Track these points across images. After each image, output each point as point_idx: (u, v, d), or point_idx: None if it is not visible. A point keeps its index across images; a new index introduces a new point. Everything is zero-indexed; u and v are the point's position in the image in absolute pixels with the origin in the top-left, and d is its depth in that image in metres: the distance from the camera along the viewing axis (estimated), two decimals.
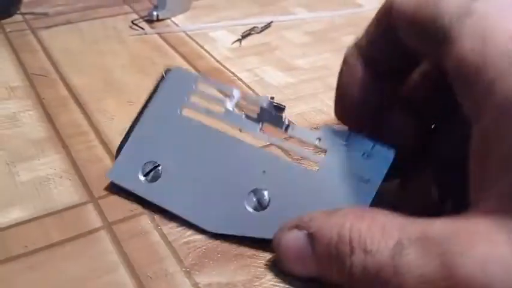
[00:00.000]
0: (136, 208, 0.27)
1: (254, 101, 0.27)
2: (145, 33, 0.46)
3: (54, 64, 0.41)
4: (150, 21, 0.47)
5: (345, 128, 0.26)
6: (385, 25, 0.23)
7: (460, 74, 0.19)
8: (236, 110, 0.27)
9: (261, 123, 0.27)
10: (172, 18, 0.48)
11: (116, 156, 0.28)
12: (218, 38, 0.45)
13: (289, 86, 0.39)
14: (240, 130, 0.27)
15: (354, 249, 0.20)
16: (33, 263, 0.24)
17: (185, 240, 0.26)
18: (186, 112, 0.28)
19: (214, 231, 0.26)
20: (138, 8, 0.50)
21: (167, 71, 0.29)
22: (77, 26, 0.47)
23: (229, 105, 0.27)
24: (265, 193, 0.26)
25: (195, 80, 0.28)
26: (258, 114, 0.27)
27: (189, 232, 0.26)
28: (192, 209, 0.26)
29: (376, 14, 0.23)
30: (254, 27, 0.46)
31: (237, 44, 0.44)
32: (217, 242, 0.25)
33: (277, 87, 0.38)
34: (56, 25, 0.46)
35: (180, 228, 0.26)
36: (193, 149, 0.27)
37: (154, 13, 0.47)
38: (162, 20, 0.47)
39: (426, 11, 0.20)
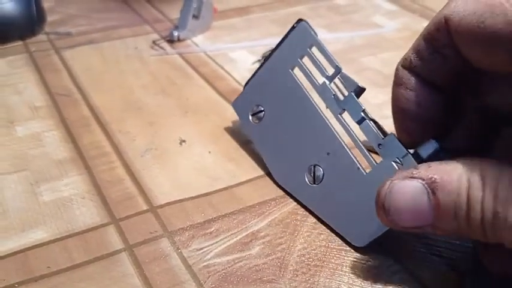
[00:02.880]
0: (157, 230, 0.28)
1: (347, 84, 0.28)
2: (166, 54, 0.46)
3: (76, 84, 0.41)
4: (171, 42, 0.48)
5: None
6: (438, 41, 0.23)
7: None
8: (331, 86, 0.29)
9: (341, 109, 0.28)
10: (193, 39, 0.48)
11: (244, 88, 0.34)
12: (238, 59, 0.46)
13: None
14: (326, 107, 0.29)
15: (484, 195, 0.20)
16: (55, 284, 0.25)
17: (205, 264, 0.26)
18: (296, 70, 0.31)
19: (280, 183, 0.31)
20: (159, 28, 0.50)
21: (299, 21, 0.31)
22: (99, 45, 0.47)
23: (327, 79, 0.29)
24: (321, 170, 0.29)
25: (312, 43, 0.30)
26: (343, 100, 0.28)
27: (209, 255, 0.26)
28: (270, 161, 0.31)
29: (426, 31, 0.24)
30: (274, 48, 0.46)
31: (257, 64, 0.45)
32: (237, 266, 0.26)
33: None
34: (78, 45, 0.47)
35: (200, 252, 0.26)
36: (290, 107, 0.31)
37: (175, 33, 0.47)
38: (183, 40, 0.48)
39: (494, 21, 0.20)
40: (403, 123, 0.25)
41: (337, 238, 0.27)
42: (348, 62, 0.45)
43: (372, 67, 0.44)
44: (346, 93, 0.28)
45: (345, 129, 0.28)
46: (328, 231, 0.28)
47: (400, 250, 0.27)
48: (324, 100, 0.29)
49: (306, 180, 0.29)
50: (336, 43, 0.48)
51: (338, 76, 0.28)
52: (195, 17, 0.48)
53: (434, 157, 0.23)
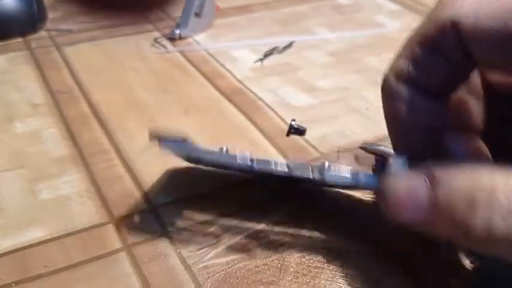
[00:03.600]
0: (156, 230, 0.27)
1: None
2: (168, 52, 0.46)
3: (77, 81, 0.41)
4: (172, 40, 0.47)
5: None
6: (443, 46, 0.22)
7: None
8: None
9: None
10: (194, 37, 0.48)
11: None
12: (239, 57, 0.45)
13: (311, 107, 0.39)
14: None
15: (496, 198, 0.18)
16: (52, 284, 0.24)
17: (204, 264, 0.25)
18: None
19: None
20: (161, 26, 0.50)
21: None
22: (100, 43, 0.47)
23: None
24: None
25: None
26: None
27: (209, 256, 0.26)
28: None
29: (422, 37, 0.22)
30: (276, 46, 0.46)
31: (259, 63, 0.44)
32: (237, 267, 0.25)
33: (298, 109, 0.38)
34: (79, 42, 0.47)
35: (199, 252, 0.26)
36: None
37: (177, 31, 0.47)
38: (184, 38, 0.48)
39: None
40: (403, 136, 0.24)
41: (338, 239, 0.27)
42: (351, 61, 0.45)
43: (375, 67, 0.44)
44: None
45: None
46: (329, 232, 0.27)
47: (402, 252, 0.26)
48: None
49: None
50: (338, 43, 0.48)
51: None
52: (197, 15, 0.48)
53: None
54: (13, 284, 0.24)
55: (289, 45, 0.47)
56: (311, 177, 0.24)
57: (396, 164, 0.23)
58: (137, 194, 0.30)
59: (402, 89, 0.23)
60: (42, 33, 0.48)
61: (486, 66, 0.21)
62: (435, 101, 0.23)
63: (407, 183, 0.21)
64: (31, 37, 0.48)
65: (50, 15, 0.51)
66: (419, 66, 0.22)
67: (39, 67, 0.43)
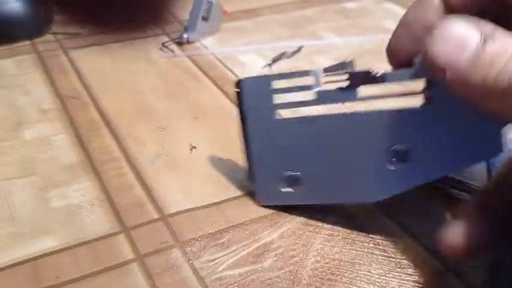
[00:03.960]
0: (168, 240, 0.27)
1: (336, 71, 0.26)
2: (175, 56, 0.46)
3: (85, 86, 0.41)
4: (180, 44, 0.47)
5: None
6: None
7: None
8: (325, 88, 0.26)
9: (356, 88, 0.26)
10: (202, 41, 0.48)
11: (251, 180, 0.29)
12: (248, 62, 0.45)
13: (320, 112, 0.38)
14: (343, 103, 0.26)
15: None
16: None
17: (217, 276, 0.25)
18: (282, 113, 0.27)
19: (373, 200, 0.27)
20: (169, 29, 0.50)
21: (238, 83, 0.28)
22: (108, 47, 0.47)
23: (316, 87, 0.26)
24: (401, 147, 0.25)
25: (268, 82, 0.27)
26: (350, 81, 0.26)
27: (221, 267, 0.26)
28: (340, 192, 0.27)
29: None
30: (284, 52, 0.46)
31: (267, 68, 0.44)
32: (249, 279, 0.25)
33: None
34: (87, 46, 0.47)
35: (212, 263, 0.26)
36: (312, 141, 0.27)
37: (185, 36, 0.47)
38: (192, 42, 0.47)
39: None
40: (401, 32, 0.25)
41: (350, 251, 0.27)
42: (359, 67, 0.45)
43: None
44: (345, 77, 0.26)
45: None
46: (342, 243, 0.27)
47: (417, 265, 0.26)
48: (333, 101, 0.26)
49: (391, 167, 0.26)
50: (346, 48, 0.48)
51: (320, 76, 0.26)
52: (205, 19, 0.48)
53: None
54: None
55: (298, 50, 0.47)
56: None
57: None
58: (148, 203, 0.30)
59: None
60: (49, 36, 0.48)
61: None
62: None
63: (461, 29, 0.21)
64: (38, 40, 0.47)
65: (57, 18, 0.50)
66: None
67: (47, 71, 0.43)
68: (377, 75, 0.25)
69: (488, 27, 0.21)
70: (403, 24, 0.26)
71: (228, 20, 0.51)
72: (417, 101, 0.25)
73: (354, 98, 0.26)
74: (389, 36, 0.28)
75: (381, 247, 0.27)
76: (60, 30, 0.49)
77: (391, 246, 0.27)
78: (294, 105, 0.27)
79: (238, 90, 0.28)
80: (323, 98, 0.26)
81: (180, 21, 0.52)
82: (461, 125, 0.24)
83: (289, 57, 0.46)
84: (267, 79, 0.27)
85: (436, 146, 0.25)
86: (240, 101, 0.28)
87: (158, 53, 0.46)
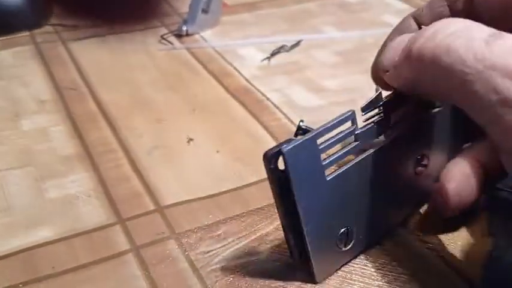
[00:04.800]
0: (164, 231, 0.27)
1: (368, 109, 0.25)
2: (174, 48, 0.46)
3: (83, 77, 0.41)
4: (179, 36, 0.47)
5: None
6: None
7: None
8: (363, 128, 0.25)
9: (390, 116, 0.25)
10: (201, 34, 0.48)
11: (299, 258, 0.25)
12: (247, 56, 0.45)
13: (318, 108, 0.38)
14: (378, 137, 0.25)
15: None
16: (60, 285, 0.24)
17: (213, 267, 0.25)
18: (330, 171, 0.24)
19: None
20: (168, 22, 0.50)
21: (271, 157, 0.22)
22: (107, 38, 0.47)
23: (356, 129, 0.24)
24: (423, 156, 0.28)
25: (311, 142, 0.23)
26: (383, 113, 0.25)
27: (217, 259, 0.26)
28: (386, 225, 0.27)
29: None
30: (283, 45, 0.46)
31: (266, 62, 0.44)
32: (245, 271, 0.25)
33: (305, 109, 0.38)
34: (86, 37, 0.47)
35: (207, 255, 0.26)
36: (362, 185, 0.25)
37: (184, 28, 0.47)
38: (191, 35, 0.47)
39: None
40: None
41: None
42: (359, 61, 0.45)
43: None
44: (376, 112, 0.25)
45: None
46: None
47: (410, 258, 0.26)
48: (371, 139, 0.25)
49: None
50: (346, 42, 0.48)
51: (355, 119, 0.24)
52: (204, 11, 0.48)
53: None
54: (21, 285, 0.24)
55: (297, 43, 0.47)
56: None
57: None
58: (145, 195, 0.30)
59: (410, 24, 0.28)
60: (48, 28, 0.48)
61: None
62: None
63: (401, 38, 0.24)
64: (37, 32, 0.47)
65: (56, 9, 0.50)
66: (431, 9, 0.27)
67: (45, 62, 0.43)
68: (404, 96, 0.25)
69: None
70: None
71: (227, 13, 0.51)
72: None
73: (387, 127, 0.25)
74: (389, 30, 0.28)
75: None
76: (59, 22, 0.49)
77: (388, 240, 0.27)
78: (341, 157, 0.24)
79: (274, 165, 0.23)
80: (363, 138, 0.25)
81: (180, 13, 0.51)
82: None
83: (287, 50, 0.46)
84: (309, 141, 0.23)
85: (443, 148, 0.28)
86: (276, 175, 0.23)
87: (157, 46, 0.46)
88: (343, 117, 0.24)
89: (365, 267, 0.26)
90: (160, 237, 0.27)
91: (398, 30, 0.28)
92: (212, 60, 0.44)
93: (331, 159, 0.24)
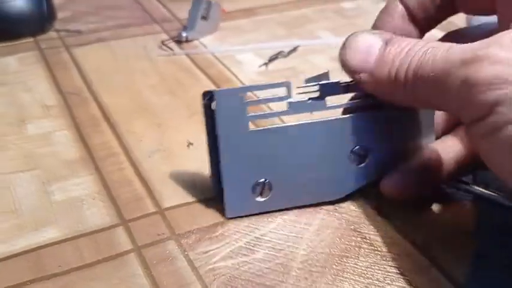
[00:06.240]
0: (164, 232, 0.29)
1: (308, 84, 0.28)
2: (174, 54, 0.47)
3: (86, 82, 0.42)
4: (179, 42, 0.48)
5: None
6: None
7: None
8: (296, 99, 0.28)
9: (325, 98, 0.28)
10: (201, 40, 0.49)
11: (218, 195, 0.29)
12: (245, 61, 0.46)
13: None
14: (311, 112, 0.28)
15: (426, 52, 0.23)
16: (66, 283, 0.26)
17: (211, 266, 0.27)
18: (254, 124, 0.28)
19: (336, 197, 0.30)
20: (168, 27, 0.51)
21: (206, 95, 0.28)
22: (109, 44, 0.48)
23: (289, 98, 0.28)
24: (362, 149, 0.29)
25: (241, 93, 0.27)
26: (319, 92, 0.28)
27: (215, 259, 0.27)
28: (307, 194, 0.30)
29: None
30: (281, 51, 0.47)
31: (264, 67, 0.45)
32: (242, 270, 0.27)
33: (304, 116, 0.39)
34: (88, 43, 0.48)
35: (206, 255, 0.27)
36: (283, 149, 0.29)
37: (184, 34, 0.48)
38: (191, 41, 0.49)
39: None
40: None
41: (338, 245, 0.28)
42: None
43: None
44: (316, 88, 0.28)
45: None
46: (331, 237, 0.29)
47: (402, 258, 0.27)
48: (305, 110, 0.28)
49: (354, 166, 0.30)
50: None
51: (291, 88, 0.28)
52: (204, 17, 0.49)
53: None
54: (28, 283, 0.26)
55: (294, 49, 0.48)
56: None
57: None
58: (146, 197, 0.31)
59: (396, 6, 0.28)
60: (52, 33, 0.49)
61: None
62: (416, 27, 0.29)
63: (367, 39, 0.26)
64: (40, 37, 0.49)
65: (59, 15, 0.52)
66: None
67: (49, 68, 0.44)
68: (342, 85, 0.28)
69: (388, 34, 0.26)
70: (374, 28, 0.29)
71: (226, 19, 0.53)
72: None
73: (323, 107, 0.28)
74: None
75: (368, 241, 0.28)
76: (62, 28, 0.50)
77: (378, 240, 0.28)
78: (266, 116, 0.29)
79: (206, 103, 0.28)
80: (294, 108, 0.28)
81: (180, 20, 0.53)
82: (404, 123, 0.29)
83: (285, 56, 0.47)
84: (240, 91, 0.28)
85: (388, 145, 0.30)
86: (208, 112, 0.28)
87: (157, 51, 0.47)
88: (278, 83, 0.28)
89: (356, 266, 0.27)
90: (160, 238, 0.28)
91: (386, 13, 0.29)
92: (211, 66, 0.45)
93: (256, 114, 0.28)
